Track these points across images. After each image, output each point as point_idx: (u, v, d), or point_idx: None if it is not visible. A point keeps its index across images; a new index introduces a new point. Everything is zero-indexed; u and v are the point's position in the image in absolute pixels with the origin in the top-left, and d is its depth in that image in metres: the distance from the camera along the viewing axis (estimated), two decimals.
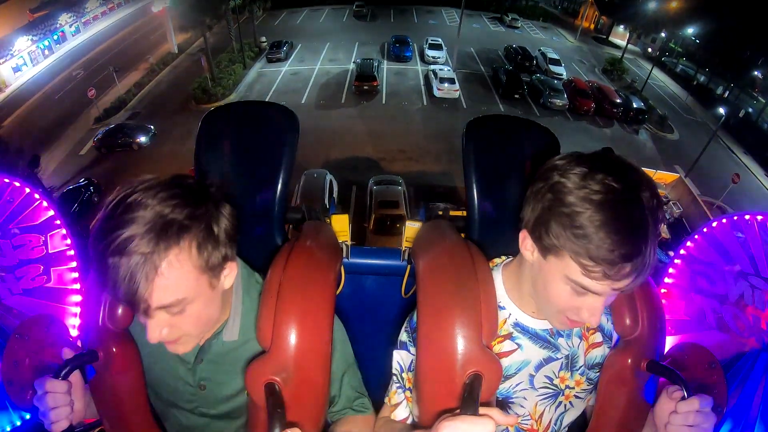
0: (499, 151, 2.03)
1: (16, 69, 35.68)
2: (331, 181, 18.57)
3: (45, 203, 2.09)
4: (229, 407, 1.69)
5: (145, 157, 24.46)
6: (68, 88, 33.55)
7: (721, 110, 30.75)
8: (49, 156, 25.21)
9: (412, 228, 2.16)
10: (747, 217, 2.05)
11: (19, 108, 31.29)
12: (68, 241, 2.12)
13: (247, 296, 1.64)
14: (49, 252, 2.13)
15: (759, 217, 2.02)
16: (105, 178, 22.03)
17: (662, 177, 21.61)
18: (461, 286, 1.46)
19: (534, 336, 1.59)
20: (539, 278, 1.41)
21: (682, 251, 2.22)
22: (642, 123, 31.59)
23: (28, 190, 2.07)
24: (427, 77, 34.66)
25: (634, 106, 32.24)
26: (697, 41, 42.80)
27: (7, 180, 2.06)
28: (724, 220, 2.10)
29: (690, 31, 38.22)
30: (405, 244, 2.25)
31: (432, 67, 35.19)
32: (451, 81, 32.11)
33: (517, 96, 32.94)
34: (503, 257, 1.71)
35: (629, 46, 44.72)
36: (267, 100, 29.72)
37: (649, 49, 48.61)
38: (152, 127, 26.72)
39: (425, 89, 33.49)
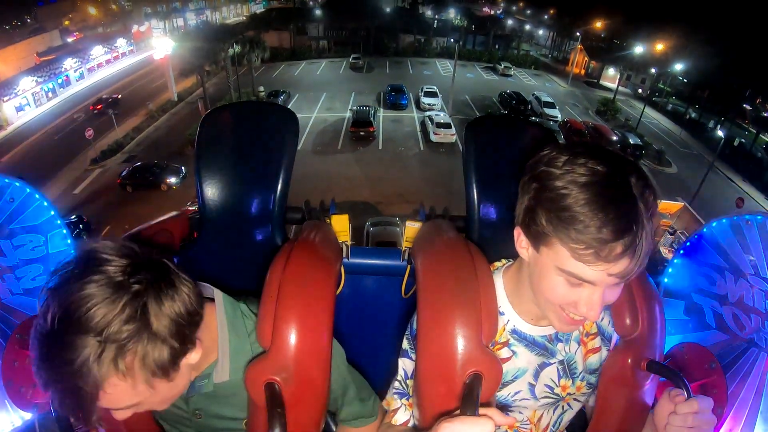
0: (499, 151, 2.05)
1: (19, 108, 36.56)
2: None
3: (45, 203, 2.09)
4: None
5: (173, 198, 24.20)
6: (68, 130, 33.99)
7: (720, 133, 31.71)
8: (45, 193, 25.32)
9: (412, 228, 2.15)
10: (747, 217, 2.05)
11: (18, 146, 31.71)
12: (69, 241, 2.11)
13: (234, 334, 1.57)
14: (50, 252, 2.12)
15: (759, 218, 2.02)
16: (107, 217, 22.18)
17: (666, 207, 21.42)
18: (461, 286, 1.45)
19: (531, 343, 1.57)
20: (535, 274, 1.36)
21: (681, 251, 2.22)
22: (640, 158, 31.63)
23: (28, 190, 2.07)
24: (423, 123, 35.25)
25: (631, 142, 32.91)
26: (685, 80, 44.16)
27: (7, 180, 2.05)
28: (723, 221, 2.10)
29: (678, 67, 38.89)
30: (405, 244, 2.23)
31: (428, 113, 35.87)
32: (447, 126, 32.67)
33: None
34: (504, 261, 1.69)
35: (620, 88, 46.20)
36: None
37: (639, 90, 50.21)
38: (183, 168, 26.64)
39: (422, 135, 34.05)
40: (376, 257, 2.32)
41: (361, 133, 32.64)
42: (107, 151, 30.05)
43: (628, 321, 1.56)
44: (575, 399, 1.67)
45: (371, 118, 34.09)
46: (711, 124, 42.08)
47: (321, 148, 31.86)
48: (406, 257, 2.25)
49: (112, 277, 1.14)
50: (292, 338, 1.42)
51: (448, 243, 1.70)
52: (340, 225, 2.18)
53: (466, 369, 1.35)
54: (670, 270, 2.26)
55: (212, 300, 1.56)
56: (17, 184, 2.05)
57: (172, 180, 25.62)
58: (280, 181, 2.02)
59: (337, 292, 1.69)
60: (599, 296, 1.25)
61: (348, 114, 36.58)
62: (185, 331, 1.27)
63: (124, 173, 25.96)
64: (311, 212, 2.18)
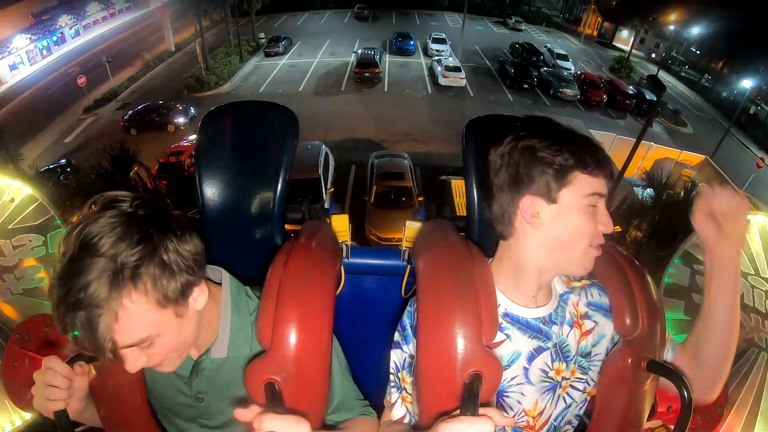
0: None
1: (13, 67, 35.93)
2: (327, 154, 17.68)
3: (45, 203, 2.12)
4: (229, 417, 1.68)
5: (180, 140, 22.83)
6: (62, 84, 33.67)
7: (748, 83, 31.74)
8: (35, 143, 25.11)
9: (412, 228, 2.17)
10: (747, 217, 2.07)
11: (10, 103, 31.50)
12: None
13: (236, 313, 1.65)
14: (50, 252, 2.15)
15: (759, 217, 2.04)
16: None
17: (688, 158, 21.27)
18: (461, 286, 1.47)
19: (524, 326, 1.60)
20: (558, 225, 1.50)
21: (681, 251, 2.25)
22: (656, 115, 31.35)
23: (28, 190, 2.10)
24: (431, 68, 34.78)
25: (647, 98, 32.42)
26: (698, 52, 44.31)
27: (7, 180, 2.09)
28: None
29: (695, 31, 38.20)
30: (405, 244, 2.26)
31: (436, 58, 35.20)
32: (457, 69, 32.27)
33: (526, 86, 33.09)
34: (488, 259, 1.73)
35: (633, 51, 45.85)
36: (263, 88, 29.79)
37: (653, 55, 50.06)
38: (192, 108, 26.16)
39: (429, 79, 33.68)
40: (376, 257, 2.35)
41: (366, 74, 32.24)
42: (101, 100, 29.71)
43: (628, 321, 1.58)
44: (572, 386, 1.68)
45: (377, 59, 33.66)
46: (724, 95, 41.95)
47: (323, 89, 31.60)
48: (406, 257, 2.27)
49: (124, 210, 1.26)
50: (293, 338, 1.43)
51: (448, 243, 1.70)
52: (340, 225, 2.21)
53: (466, 369, 1.36)
54: (670, 270, 2.28)
55: (218, 284, 1.65)
56: (17, 184, 2.08)
57: (180, 120, 25.08)
58: (280, 181, 2.04)
59: (337, 292, 1.72)
60: (605, 208, 1.51)
61: (352, 58, 36.16)
62: (191, 264, 1.37)
63: (127, 116, 25.33)
64: (311, 212, 2.19)
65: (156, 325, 1.31)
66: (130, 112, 25.71)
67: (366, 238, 15.16)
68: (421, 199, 16.10)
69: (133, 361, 1.34)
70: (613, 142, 20.64)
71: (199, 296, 1.44)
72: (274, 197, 2.04)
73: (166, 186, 6.61)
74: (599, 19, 55.77)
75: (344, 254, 2.22)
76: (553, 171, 1.45)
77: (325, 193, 15.52)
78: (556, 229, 1.49)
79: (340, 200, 18.24)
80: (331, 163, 17.81)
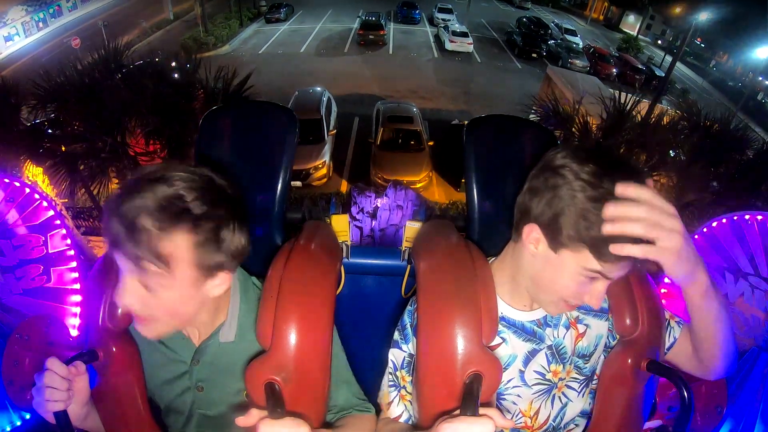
0: (499, 150, 2.07)
1: (8, 38, 35.30)
2: (329, 99, 17.87)
3: (45, 203, 2.15)
4: (228, 407, 1.72)
5: None
6: (56, 52, 33.41)
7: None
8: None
9: (412, 228, 2.18)
10: (747, 216, 2.07)
11: (4, 71, 31.31)
12: (68, 241, 2.16)
13: (244, 299, 1.69)
14: (49, 252, 2.18)
15: (759, 217, 2.05)
16: None
17: None
18: (461, 286, 1.49)
19: (520, 329, 1.63)
20: (546, 270, 1.45)
21: None
22: (665, 93, 31.24)
23: (28, 190, 2.12)
24: (437, 36, 34.79)
25: (657, 74, 32.43)
26: (703, 45, 44.99)
27: (7, 180, 2.10)
28: (724, 220, 2.12)
29: (704, 17, 38.25)
30: (405, 244, 2.27)
31: (443, 25, 35.02)
32: (464, 35, 32.27)
33: (534, 55, 33.03)
34: (490, 258, 1.75)
35: (640, 36, 46.76)
36: (263, 50, 29.79)
37: (659, 41, 50.53)
38: (188, 66, 25.90)
39: (436, 45, 33.71)
40: (376, 257, 2.36)
41: (370, 37, 32.11)
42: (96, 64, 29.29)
43: (628, 321, 1.60)
44: (567, 386, 1.71)
45: (381, 22, 33.52)
46: (730, 83, 42.23)
47: (325, 51, 31.56)
48: (406, 257, 2.28)
49: (208, 176, 1.39)
50: (293, 338, 1.45)
51: (448, 243, 1.73)
52: (340, 225, 2.22)
53: (466, 369, 1.39)
54: None
55: None
56: (17, 184, 2.09)
57: (176, 76, 24.76)
58: (280, 180, 2.05)
59: (337, 291, 1.73)
60: (605, 288, 1.42)
61: (356, 24, 35.99)
62: (238, 255, 1.49)
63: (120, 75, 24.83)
64: (311, 212, 2.21)
65: (175, 271, 1.35)
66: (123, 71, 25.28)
67: (371, 180, 15.21)
68: (432, 143, 16.09)
69: (128, 295, 1.39)
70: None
71: (220, 284, 1.49)
72: (274, 197, 2.06)
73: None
74: (605, 4, 56.29)
75: (344, 254, 2.23)
76: (568, 231, 1.34)
77: (328, 135, 15.78)
78: (543, 269, 1.47)
79: (344, 147, 18.26)
80: (334, 108, 18.00)
